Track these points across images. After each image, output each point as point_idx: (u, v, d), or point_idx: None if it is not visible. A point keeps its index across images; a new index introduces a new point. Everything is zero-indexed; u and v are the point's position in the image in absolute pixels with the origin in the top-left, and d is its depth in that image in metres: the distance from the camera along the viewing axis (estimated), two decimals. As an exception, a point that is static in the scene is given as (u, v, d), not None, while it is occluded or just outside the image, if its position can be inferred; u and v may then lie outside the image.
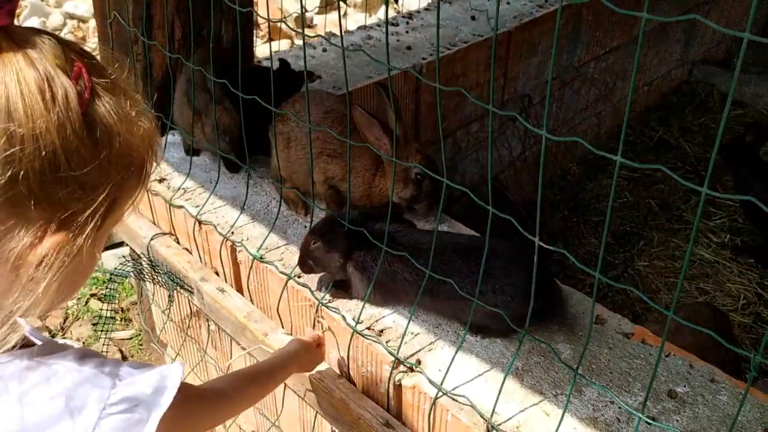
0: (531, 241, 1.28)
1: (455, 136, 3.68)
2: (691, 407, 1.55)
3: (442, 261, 1.69)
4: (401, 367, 1.70)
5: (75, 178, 0.85)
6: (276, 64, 2.65)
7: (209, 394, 1.34)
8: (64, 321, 3.53)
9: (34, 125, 0.79)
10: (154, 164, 1.00)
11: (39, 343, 0.99)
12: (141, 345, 3.44)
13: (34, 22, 6.51)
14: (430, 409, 1.61)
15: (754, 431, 1.50)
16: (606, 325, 1.79)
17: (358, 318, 1.81)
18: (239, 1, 1.83)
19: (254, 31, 3.55)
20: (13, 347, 0.91)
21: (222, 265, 2.23)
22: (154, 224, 2.53)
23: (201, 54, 2.21)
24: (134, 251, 2.69)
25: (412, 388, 1.66)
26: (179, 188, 2.39)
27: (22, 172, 0.80)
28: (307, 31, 6.32)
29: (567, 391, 1.58)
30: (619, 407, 1.54)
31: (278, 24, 1.90)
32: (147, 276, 2.60)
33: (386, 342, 1.74)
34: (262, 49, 5.17)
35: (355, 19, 6.42)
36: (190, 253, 2.38)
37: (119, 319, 3.56)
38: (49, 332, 3.47)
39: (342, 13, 6.59)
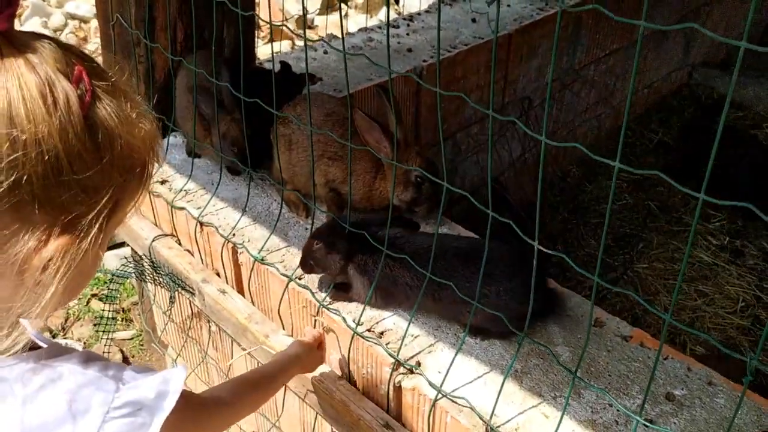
0: (530, 245, 1.29)
1: (455, 138, 3.69)
2: (688, 410, 1.57)
3: (443, 265, 1.71)
4: (401, 369, 1.71)
5: (78, 182, 0.85)
6: (277, 67, 2.66)
7: (209, 401, 1.35)
8: (65, 321, 3.54)
9: (36, 130, 0.80)
10: (156, 165, 1.01)
11: (44, 345, 1.00)
12: (142, 345, 3.45)
13: (35, 23, 6.52)
14: (430, 411, 1.62)
15: (751, 434, 1.51)
16: (605, 328, 1.80)
17: (359, 320, 1.82)
18: (241, 4, 1.84)
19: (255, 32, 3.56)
20: (21, 350, 0.92)
21: (223, 267, 2.24)
22: (156, 226, 2.54)
23: (206, 56, 2.22)
24: (136, 252, 2.70)
25: (411, 390, 1.68)
26: (181, 190, 2.41)
27: (25, 177, 0.80)
28: (308, 33, 6.33)
29: (566, 394, 1.59)
30: (618, 410, 1.56)
31: (279, 25, 1.91)
32: (148, 277, 2.61)
33: (386, 344, 1.75)
34: (262, 50, 5.18)
35: (356, 21, 6.43)
36: (192, 254, 2.39)
37: (120, 319, 3.57)
38: (51, 332, 3.48)
39: (345, 15, 6.61)
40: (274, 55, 2.14)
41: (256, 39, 2.97)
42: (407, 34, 3.64)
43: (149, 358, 3.41)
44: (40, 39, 0.86)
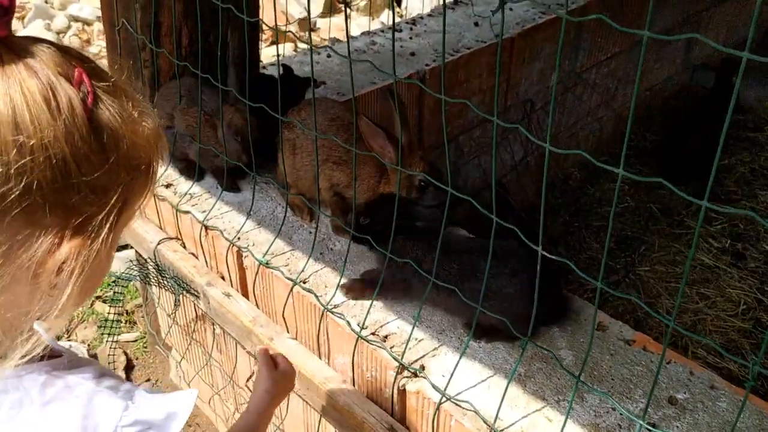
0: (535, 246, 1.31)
1: (458, 141, 3.71)
2: (691, 414, 1.58)
3: (468, 260, 1.74)
4: (405, 373, 1.72)
5: (86, 183, 0.86)
6: (280, 70, 2.67)
7: None
8: (70, 323, 3.56)
9: (42, 135, 0.80)
10: (161, 162, 1.01)
11: (60, 353, 1.01)
12: (146, 347, 3.46)
13: (38, 25, 6.54)
14: (434, 415, 1.64)
15: (752, 438, 1.52)
16: (607, 332, 1.81)
17: (363, 323, 1.83)
18: (246, 9, 1.85)
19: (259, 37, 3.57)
20: (40, 357, 0.93)
21: (228, 270, 2.26)
22: (161, 229, 2.55)
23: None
24: (140, 255, 2.72)
25: (416, 393, 1.69)
26: (186, 194, 2.42)
27: (35, 182, 0.81)
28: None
29: (569, 398, 1.60)
30: (621, 414, 1.57)
31: (283, 29, 1.93)
32: (153, 280, 2.63)
33: (390, 347, 1.77)
34: (264, 52, 5.19)
35: (358, 23, 6.45)
36: (197, 257, 2.41)
37: (124, 321, 3.59)
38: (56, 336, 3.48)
39: (346, 17, 6.61)
40: (277, 56, 2.15)
41: (259, 42, 2.99)
42: (410, 38, 3.66)
43: (153, 360, 3.42)
44: (39, 43, 0.86)
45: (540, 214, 1.28)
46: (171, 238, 2.48)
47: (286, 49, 5.88)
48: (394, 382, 1.73)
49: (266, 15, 5.39)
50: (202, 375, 2.91)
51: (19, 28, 6.50)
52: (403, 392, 1.73)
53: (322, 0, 6.89)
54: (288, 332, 2.11)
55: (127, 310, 3.62)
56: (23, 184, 0.80)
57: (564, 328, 1.83)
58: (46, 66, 0.83)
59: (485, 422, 1.55)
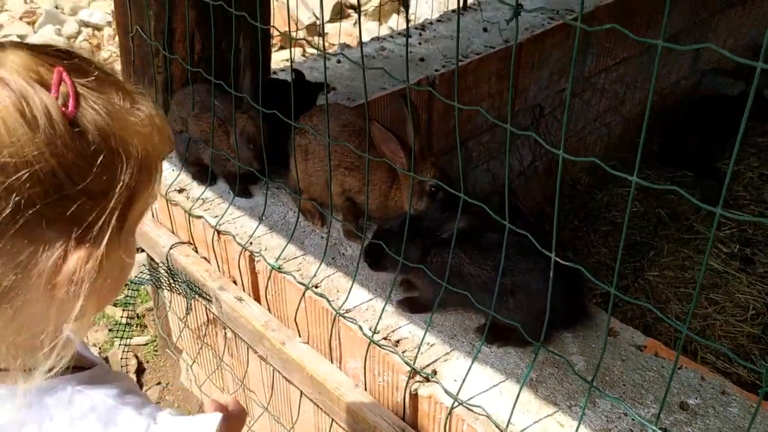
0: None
1: (467, 146, 3.72)
2: (702, 419, 1.58)
3: (506, 258, 1.76)
4: (417, 377, 1.73)
5: (81, 191, 0.82)
6: (293, 75, 2.69)
7: None
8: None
9: (24, 151, 0.76)
10: (166, 146, 0.95)
11: (93, 363, 1.01)
12: (156, 351, 3.49)
13: (49, 30, 6.60)
14: (446, 419, 1.65)
15: (765, 443, 1.53)
16: (619, 338, 1.82)
17: (375, 328, 1.85)
18: (258, 17, 1.88)
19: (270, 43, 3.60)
20: (67, 368, 0.91)
21: (240, 275, 2.28)
22: (173, 233, 2.58)
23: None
24: (152, 259, 2.74)
25: (428, 398, 1.70)
26: (198, 198, 2.44)
27: (24, 200, 0.77)
28: (319, 41, 6.37)
29: (581, 403, 1.61)
30: (633, 419, 1.58)
31: (293, 34, 1.95)
32: (165, 284, 2.65)
33: (402, 352, 1.78)
34: (273, 57, 5.22)
35: (366, 28, 6.48)
36: (209, 262, 2.43)
37: (135, 325, 3.61)
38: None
39: (355, 23, 6.64)
40: (290, 63, 2.18)
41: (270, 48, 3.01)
42: (419, 44, 3.68)
43: (164, 363, 3.45)
44: (8, 49, 0.81)
45: (553, 219, 1.29)
46: (183, 243, 2.50)
47: (295, 54, 5.92)
48: (406, 386, 1.74)
49: (275, 20, 5.42)
50: (213, 379, 2.93)
51: (29, 33, 6.56)
52: (415, 397, 1.74)
53: (331, 5, 6.93)
54: (300, 336, 2.12)
55: (138, 314, 3.64)
56: (13, 204, 0.76)
57: (576, 334, 1.84)
58: (16, 73, 0.78)
59: (497, 427, 1.56)
